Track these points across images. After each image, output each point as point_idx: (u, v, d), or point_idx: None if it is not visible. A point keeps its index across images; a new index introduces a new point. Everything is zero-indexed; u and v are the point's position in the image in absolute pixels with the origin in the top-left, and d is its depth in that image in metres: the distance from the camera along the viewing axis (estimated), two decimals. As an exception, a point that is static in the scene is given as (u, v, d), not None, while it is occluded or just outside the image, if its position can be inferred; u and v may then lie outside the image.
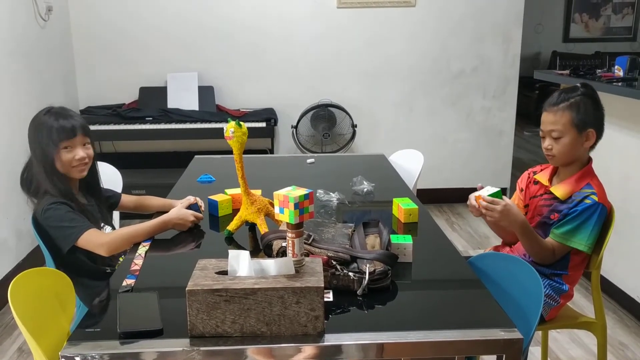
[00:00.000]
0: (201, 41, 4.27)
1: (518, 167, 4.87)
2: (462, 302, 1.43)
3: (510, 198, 2.17)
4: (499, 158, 4.58)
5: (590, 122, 1.83)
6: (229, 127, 1.70)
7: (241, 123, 1.72)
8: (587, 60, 7.05)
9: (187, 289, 1.19)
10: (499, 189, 1.82)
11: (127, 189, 2.68)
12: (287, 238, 1.34)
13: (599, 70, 3.23)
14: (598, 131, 1.85)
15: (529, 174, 2.09)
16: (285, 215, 1.32)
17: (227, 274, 1.26)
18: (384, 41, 4.34)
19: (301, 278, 1.23)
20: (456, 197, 4.57)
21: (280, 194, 1.33)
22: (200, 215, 1.95)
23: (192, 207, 1.95)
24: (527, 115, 7.34)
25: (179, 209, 1.90)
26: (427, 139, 4.50)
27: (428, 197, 4.32)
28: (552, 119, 1.84)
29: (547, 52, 7.89)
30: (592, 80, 2.96)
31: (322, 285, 1.22)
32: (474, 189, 1.88)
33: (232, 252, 1.27)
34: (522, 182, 2.10)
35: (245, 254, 1.26)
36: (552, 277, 1.90)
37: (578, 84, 1.88)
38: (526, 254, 1.94)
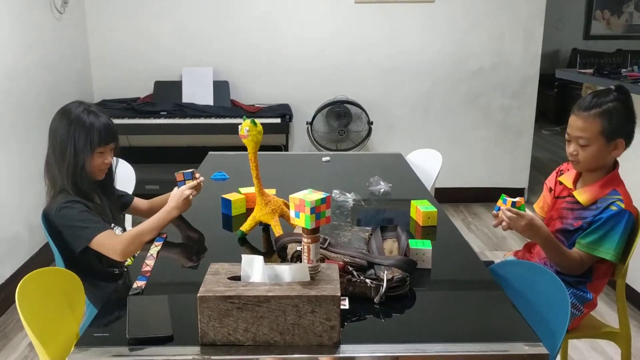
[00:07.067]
0: (217, 36, 4.23)
1: (537, 166, 4.79)
2: (483, 313, 1.37)
3: (535, 201, 2.11)
4: (518, 158, 4.48)
5: (620, 132, 1.74)
6: (244, 126, 1.66)
7: (256, 121, 1.67)
8: (608, 58, 6.88)
9: (198, 295, 1.15)
10: (523, 203, 1.73)
11: (140, 184, 2.65)
12: (303, 243, 1.29)
13: (624, 70, 3.13)
14: (627, 141, 1.76)
15: (556, 172, 2.01)
16: (301, 220, 1.27)
17: (240, 279, 1.22)
18: (402, 37, 4.26)
19: (317, 286, 1.19)
20: (473, 197, 4.48)
21: (296, 197, 1.27)
22: (194, 183, 1.90)
23: (184, 179, 1.91)
24: (545, 114, 7.22)
25: (173, 193, 1.88)
26: (444, 137, 4.41)
27: (444, 196, 4.23)
28: (581, 125, 1.74)
29: (567, 50, 7.74)
30: (617, 79, 2.86)
31: (339, 294, 1.17)
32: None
33: (246, 257, 1.23)
34: (550, 181, 2.03)
35: (259, 260, 1.21)
36: (577, 286, 1.83)
37: (612, 87, 1.77)
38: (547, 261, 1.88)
